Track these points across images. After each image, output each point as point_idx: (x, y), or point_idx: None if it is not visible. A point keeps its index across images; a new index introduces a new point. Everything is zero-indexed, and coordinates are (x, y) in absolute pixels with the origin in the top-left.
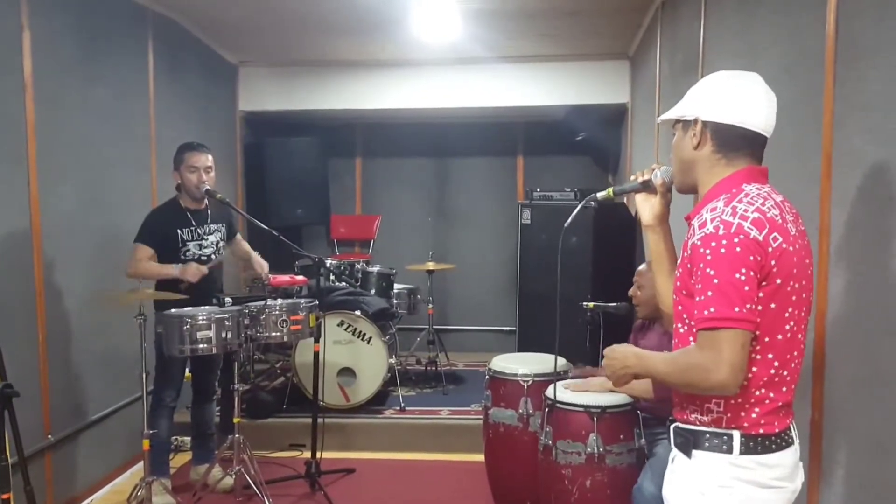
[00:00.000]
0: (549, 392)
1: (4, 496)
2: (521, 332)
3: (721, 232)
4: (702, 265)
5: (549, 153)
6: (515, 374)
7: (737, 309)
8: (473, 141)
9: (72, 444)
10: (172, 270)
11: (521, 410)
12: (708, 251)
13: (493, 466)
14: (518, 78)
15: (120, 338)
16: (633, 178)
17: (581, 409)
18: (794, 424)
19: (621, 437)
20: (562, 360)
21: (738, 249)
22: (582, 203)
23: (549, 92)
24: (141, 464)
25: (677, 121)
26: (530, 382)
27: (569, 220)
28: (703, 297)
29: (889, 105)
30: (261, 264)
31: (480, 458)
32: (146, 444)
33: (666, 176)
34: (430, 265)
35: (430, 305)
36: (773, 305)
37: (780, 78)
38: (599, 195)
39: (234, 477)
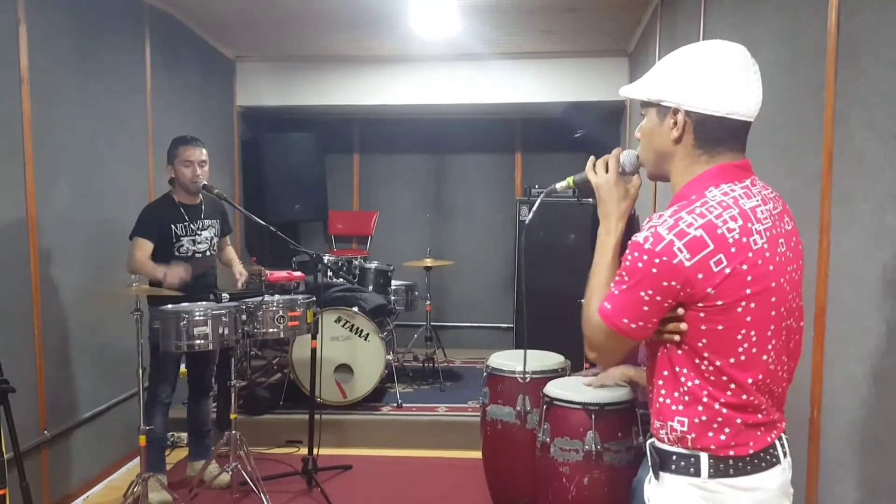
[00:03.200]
0: (548, 389)
1: (0, 492)
2: (519, 328)
3: (647, 245)
4: (623, 263)
5: (548, 150)
6: (513, 371)
7: (625, 320)
8: (472, 137)
9: (68, 440)
10: (159, 274)
11: (518, 407)
12: (630, 256)
13: (491, 463)
14: (517, 74)
15: (116, 333)
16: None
17: (579, 406)
18: (781, 441)
19: (619, 434)
20: (559, 358)
21: (653, 271)
22: (542, 195)
23: (548, 88)
24: (137, 460)
25: (652, 103)
26: (528, 379)
27: (529, 214)
28: (613, 288)
29: (891, 101)
30: (241, 272)
31: (478, 454)
32: (142, 440)
33: (627, 164)
34: (428, 262)
35: (428, 302)
36: (719, 327)
37: (780, 74)
38: (559, 186)
39: (230, 473)
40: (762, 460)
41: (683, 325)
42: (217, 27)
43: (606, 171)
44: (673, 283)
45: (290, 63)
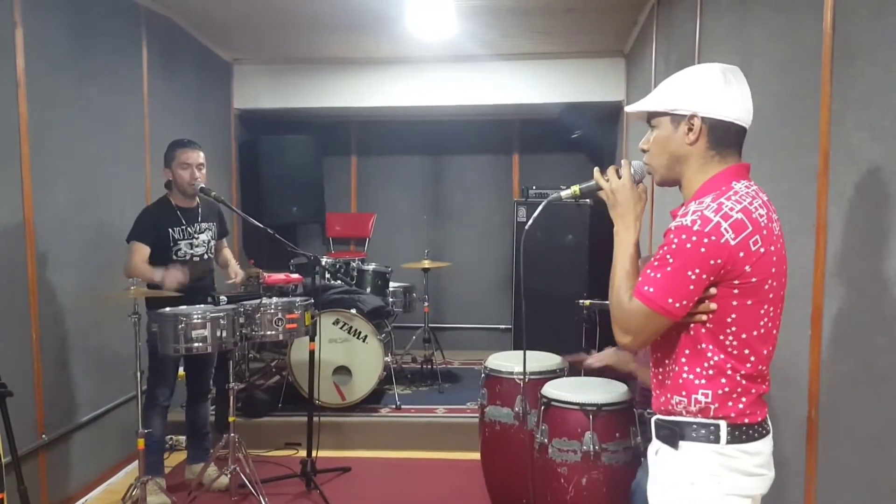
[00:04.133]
0: (546, 390)
1: None
2: (517, 329)
3: (696, 227)
4: (665, 248)
5: (545, 151)
6: (511, 372)
7: (670, 300)
8: (469, 138)
9: (66, 444)
10: (156, 277)
11: (517, 408)
12: (676, 239)
13: (489, 465)
14: (514, 75)
15: (114, 336)
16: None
17: (577, 406)
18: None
19: (617, 434)
20: (557, 359)
21: (702, 250)
22: (545, 202)
23: (545, 89)
24: (135, 463)
25: (662, 114)
26: (526, 380)
27: (530, 220)
28: (652, 273)
29: (886, 102)
30: (236, 272)
31: (476, 456)
32: (141, 443)
33: (637, 174)
34: (426, 263)
35: (426, 303)
36: (749, 302)
37: (776, 75)
38: (564, 194)
39: (229, 476)
40: (763, 428)
41: (713, 305)
42: (214, 30)
43: (619, 177)
44: (719, 260)
45: (287, 65)
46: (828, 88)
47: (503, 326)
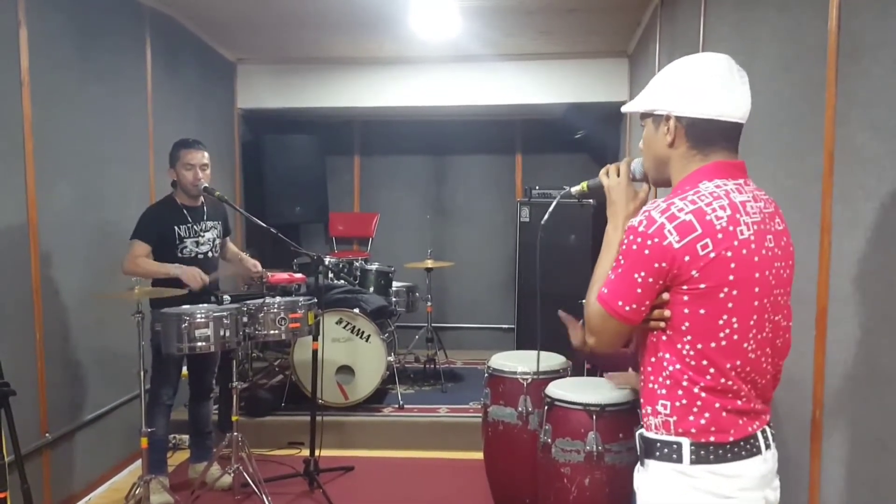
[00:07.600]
0: (549, 390)
1: (1, 495)
2: (520, 329)
3: (641, 228)
4: (620, 248)
5: (548, 151)
6: (515, 372)
7: (620, 303)
8: (472, 138)
9: (69, 443)
10: (173, 270)
11: (520, 408)
12: (626, 240)
13: (492, 464)
14: (517, 76)
15: (117, 336)
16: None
17: (580, 407)
18: (764, 433)
19: (620, 435)
20: (561, 359)
21: (646, 252)
22: (558, 198)
23: (548, 90)
24: (139, 462)
25: (646, 114)
26: (530, 380)
27: (546, 215)
28: (611, 273)
29: (892, 101)
30: (254, 263)
31: (479, 456)
32: (144, 442)
33: (637, 171)
34: (429, 263)
35: (429, 303)
36: (702, 311)
37: (780, 74)
38: (574, 189)
39: (232, 475)
40: (742, 448)
41: (667, 312)
42: (218, 29)
43: (618, 175)
44: (663, 263)
45: (290, 65)
46: (833, 88)
47: (506, 326)
